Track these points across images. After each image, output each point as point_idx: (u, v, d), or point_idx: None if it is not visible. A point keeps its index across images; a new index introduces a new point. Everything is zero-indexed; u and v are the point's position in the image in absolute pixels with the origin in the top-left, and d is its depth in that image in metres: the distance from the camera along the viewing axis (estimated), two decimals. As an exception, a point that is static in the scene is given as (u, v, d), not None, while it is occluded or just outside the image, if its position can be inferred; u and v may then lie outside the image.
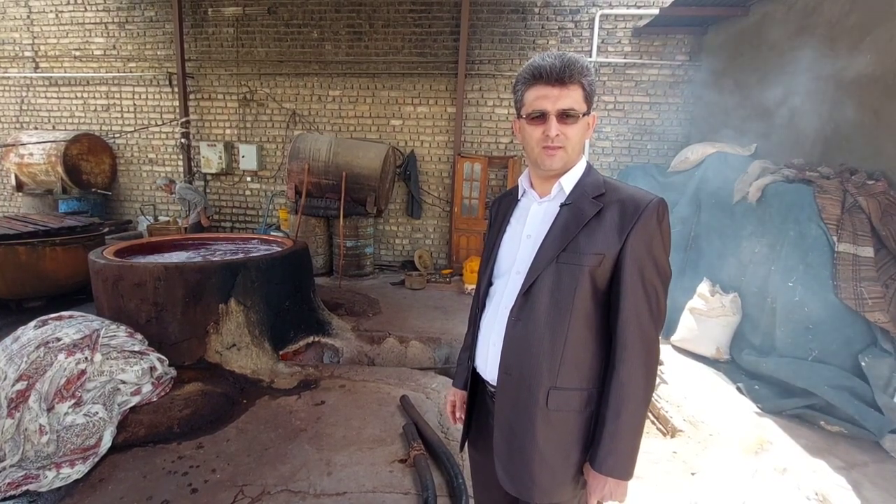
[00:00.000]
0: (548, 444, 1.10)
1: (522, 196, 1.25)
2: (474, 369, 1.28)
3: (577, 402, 1.10)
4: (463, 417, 1.38)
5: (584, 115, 1.08)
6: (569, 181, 1.14)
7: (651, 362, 1.08)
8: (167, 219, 7.41)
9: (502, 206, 1.31)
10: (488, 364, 1.20)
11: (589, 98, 1.08)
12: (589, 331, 1.09)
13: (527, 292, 1.10)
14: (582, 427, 1.11)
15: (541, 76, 1.06)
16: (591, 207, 1.08)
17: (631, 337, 1.05)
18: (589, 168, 1.17)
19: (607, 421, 1.06)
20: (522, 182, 1.25)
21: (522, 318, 1.10)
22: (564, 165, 1.12)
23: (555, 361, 1.08)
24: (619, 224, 1.06)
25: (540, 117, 1.07)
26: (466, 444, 1.38)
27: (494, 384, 1.18)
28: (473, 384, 1.31)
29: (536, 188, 1.21)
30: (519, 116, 1.14)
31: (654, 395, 3.32)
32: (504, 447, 1.15)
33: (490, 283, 1.25)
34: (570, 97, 1.05)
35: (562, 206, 1.13)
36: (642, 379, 1.06)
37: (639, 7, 6.11)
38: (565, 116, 1.06)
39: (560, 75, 1.04)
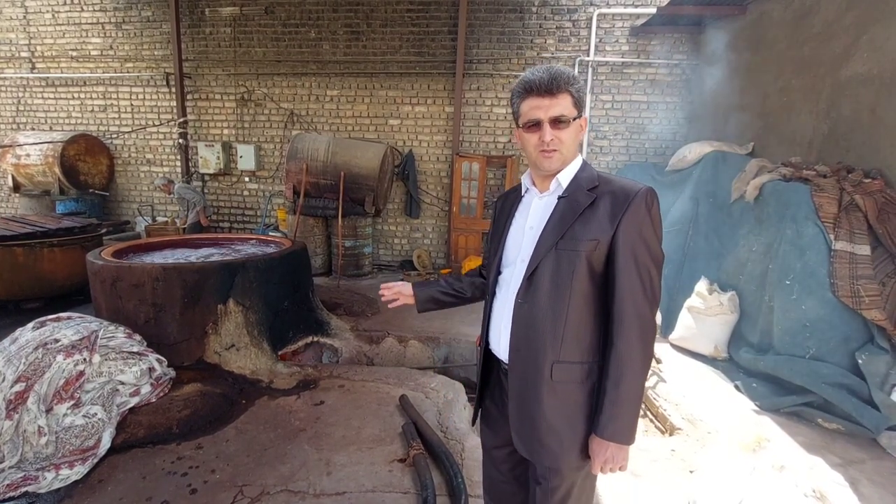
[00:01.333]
0: (554, 412, 1.21)
1: (525, 193, 1.38)
2: (489, 350, 1.40)
3: (579, 374, 1.21)
4: (395, 302, 1.62)
5: (574, 119, 1.19)
6: (565, 177, 1.25)
7: (647, 336, 1.17)
8: (165, 219, 7.41)
9: (507, 202, 1.44)
10: (501, 344, 1.32)
11: (578, 104, 1.19)
12: (587, 309, 1.19)
13: (530, 277, 1.22)
14: (585, 397, 1.22)
15: (532, 89, 1.18)
16: (585, 198, 1.20)
17: (627, 313, 1.15)
18: (584, 164, 1.29)
19: (608, 390, 1.16)
20: (525, 180, 1.37)
21: (527, 300, 1.22)
22: (561, 165, 1.24)
23: (557, 337, 1.19)
24: (611, 212, 1.16)
25: (535, 125, 1.20)
26: (478, 421, 1.51)
27: (507, 362, 1.30)
28: (488, 364, 1.43)
29: (537, 185, 1.33)
30: (518, 126, 1.26)
31: (653, 392, 3.34)
32: (517, 416, 1.27)
33: (499, 273, 1.36)
34: (560, 105, 1.17)
35: (559, 198, 1.24)
36: (639, 352, 1.15)
37: (636, 6, 6.12)
38: (557, 122, 1.18)
39: (549, 87, 1.16)
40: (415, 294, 1.59)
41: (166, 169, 7.48)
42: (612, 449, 1.16)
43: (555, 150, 1.19)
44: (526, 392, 1.24)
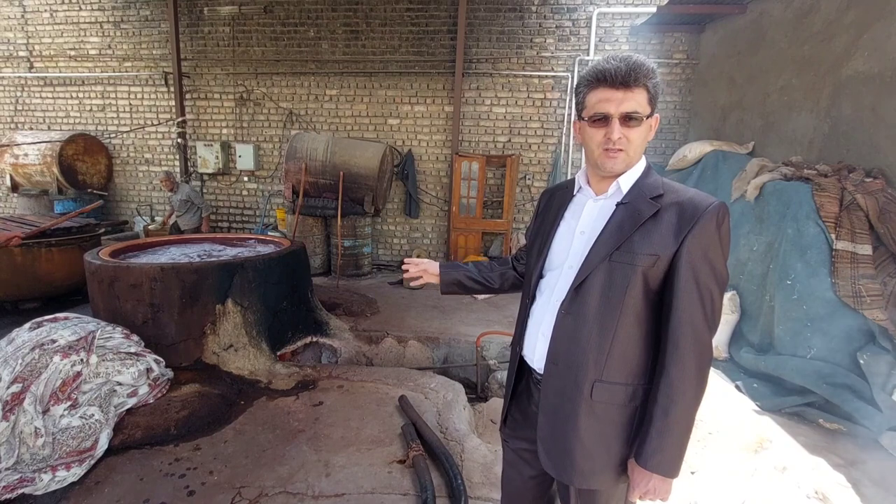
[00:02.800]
0: (589, 433, 1.13)
1: (578, 192, 1.26)
2: (521, 357, 1.31)
3: (622, 397, 1.12)
4: (418, 280, 1.54)
5: (647, 117, 1.08)
6: (627, 181, 1.14)
7: (704, 364, 1.07)
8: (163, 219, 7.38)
9: (555, 200, 1.32)
10: (536, 353, 1.23)
11: (653, 100, 1.08)
12: (638, 328, 1.10)
13: (578, 287, 1.12)
14: (625, 420, 1.13)
15: (605, 79, 1.05)
16: (648, 208, 1.09)
17: (684, 338, 1.05)
18: (648, 169, 1.17)
19: (655, 419, 1.07)
20: (579, 178, 1.25)
21: (573, 311, 1.13)
22: (625, 168, 1.12)
23: (601, 355, 1.10)
24: (677, 226, 1.05)
25: (602, 119, 1.07)
26: (504, 425, 1.43)
27: (541, 372, 1.22)
28: (519, 371, 1.35)
29: (593, 186, 1.21)
30: (580, 118, 1.14)
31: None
32: (548, 432, 1.19)
33: (541, 276, 1.27)
34: (634, 100, 1.05)
35: (618, 204, 1.13)
36: (694, 380, 1.06)
37: (636, 5, 6.11)
38: (628, 119, 1.06)
39: (625, 78, 1.03)
40: (440, 275, 1.50)
41: (165, 169, 7.45)
42: (656, 481, 1.08)
43: (621, 150, 1.07)
44: (561, 408, 1.15)
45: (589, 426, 1.12)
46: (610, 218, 1.13)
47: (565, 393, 1.14)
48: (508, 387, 1.38)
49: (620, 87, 1.04)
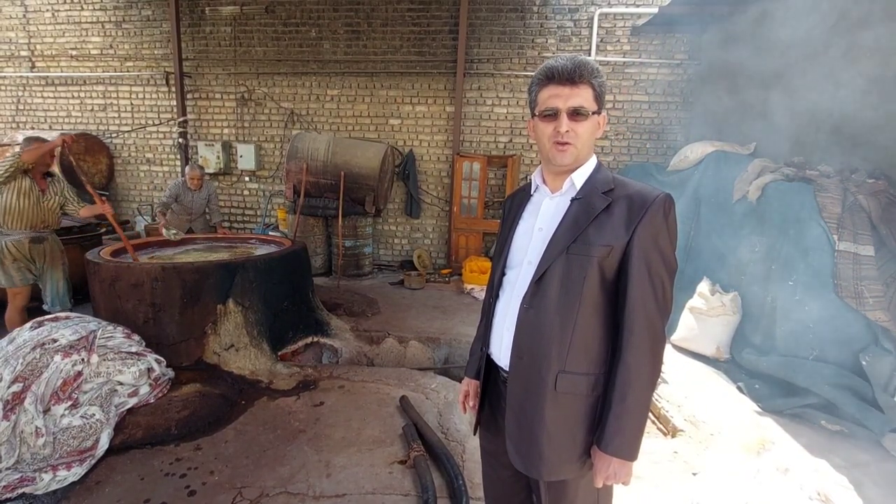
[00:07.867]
0: (555, 424, 1.16)
1: (535, 191, 1.31)
2: (488, 356, 1.34)
3: (585, 387, 1.15)
4: (475, 406, 1.46)
5: (594, 113, 1.14)
6: (580, 177, 1.20)
7: (657, 349, 1.12)
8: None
9: (515, 202, 1.38)
10: (502, 350, 1.26)
11: (599, 98, 1.15)
12: (597, 318, 1.14)
13: (538, 281, 1.16)
14: (588, 410, 1.17)
15: (553, 76, 1.13)
16: (600, 202, 1.14)
17: (638, 324, 1.10)
18: (599, 165, 1.23)
19: (613, 404, 1.11)
20: (535, 178, 1.31)
21: (534, 305, 1.16)
22: (575, 161, 1.18)
23: (564, 346, 1.13)
24: (627, 217, 1.11)
25: (552, 115, 1.14)
26: (479, 427, 1.45)
27: (507, 369, 1.24)
28: (487, 371, 1.36)
29: (548, 184, 1.26)
30: (533, 115, 1.21)
31: (655, 393, 3.31)
32: (515, 428, 1.21)
33: (503, 274, 1.30)
34: (581, 96, 1.12)
35: (573, 200, 1.19)
36: (648, 365, 1.11)
37: (638, 6, 6.10)
38: (576, 114, 1.12)
39: (571, 75, 1.11)
40: (474, 380, 1.47)
41: (166, 168, 7.46)
42: (616, 465, 1.12)
43: (569, 144, 1.13)
44: (527, 402, 1.18)
45: (555, 418, 1.15)
46: (566, 213, 1.18)
47: (530, 387, 1.17)
48: (480, 389, 1.40)
49: (567, 84, 1.11)
